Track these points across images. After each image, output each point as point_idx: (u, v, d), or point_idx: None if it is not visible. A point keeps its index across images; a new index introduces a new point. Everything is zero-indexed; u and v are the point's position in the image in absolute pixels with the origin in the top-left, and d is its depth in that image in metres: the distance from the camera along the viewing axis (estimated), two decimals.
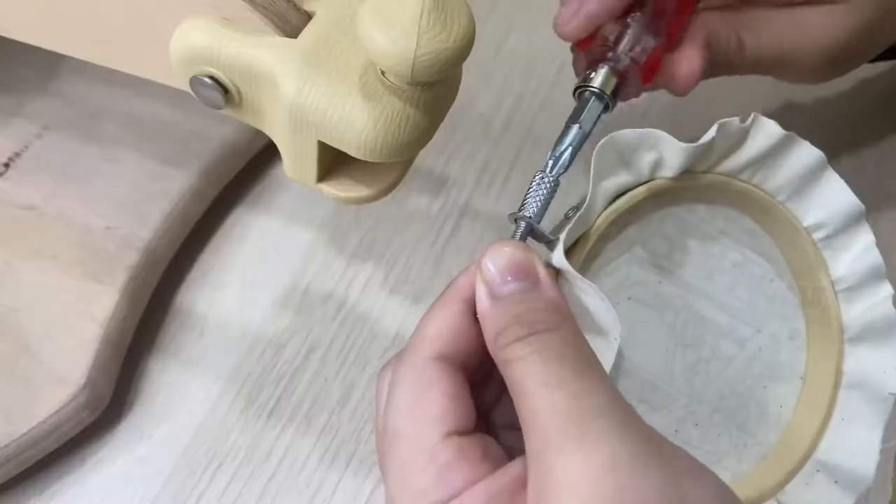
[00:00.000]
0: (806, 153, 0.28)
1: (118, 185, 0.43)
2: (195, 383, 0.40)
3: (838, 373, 0.30)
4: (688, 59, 0.33)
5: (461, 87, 0.29)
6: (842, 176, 0.29)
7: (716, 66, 0.34)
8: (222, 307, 0.43)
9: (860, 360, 0.30)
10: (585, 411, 0.21)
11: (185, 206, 0.42)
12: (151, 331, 0.42)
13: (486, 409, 0.27)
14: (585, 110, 0.29)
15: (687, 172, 0.28)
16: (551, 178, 0.27)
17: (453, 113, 0.29)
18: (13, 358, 0.37)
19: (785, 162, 0.29)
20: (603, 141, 0.26)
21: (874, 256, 0.29)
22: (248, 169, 0.46)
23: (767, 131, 0.28)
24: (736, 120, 0.27)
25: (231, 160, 0.45)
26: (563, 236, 0.25)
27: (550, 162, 0.28)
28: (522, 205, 0.27)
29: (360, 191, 0.30)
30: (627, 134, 0.26)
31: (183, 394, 0.40)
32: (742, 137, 0.28)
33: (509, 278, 0.24)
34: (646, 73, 0.31)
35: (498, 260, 0.24)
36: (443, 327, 0.25)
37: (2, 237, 0.41)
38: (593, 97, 0.30)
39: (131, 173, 0.43)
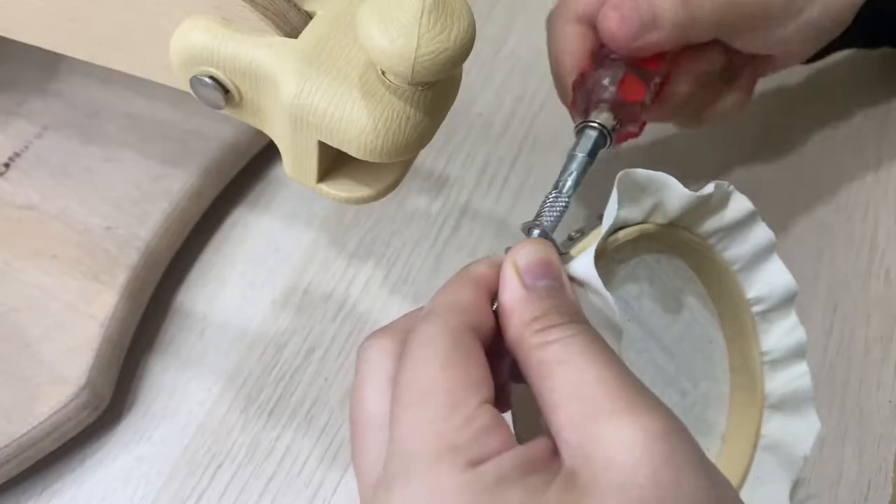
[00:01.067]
0: (763, 233, 0.31)
1: (118, 185, 0.43)
2: (195, 383, 0.40)
3: (757, 435, 0.33)
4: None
5: (461, 87, 0.29)
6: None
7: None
8: (222, 307, 0.43)
9: (776, 426, 0.33)
10: (634, 386, 0.22)
11: (185, 206, 0.42)
12: (151, 331, 0.42)
13: None
14: (588, 142, 0.32)
15: (671, 224, 0.29)
16: (565, 198, 0.30)
17: (453, 113, 0.29)
18: (13, 358, 0.37)
19: (745, 236, 0.31)
20: (621, 174, 0.27)
21: (800, 335, 0.32)
22: (248, 169, 0.46)
23: (741, 204, 0.30)
24: (725, 183, 0.29)
25: (231, 160, 0.45)
26: (592, 248, 0.26)
27: (569, 181, 0.30)
28: (537, 216, 0.29)
29: (361, 191, 0.30)
30: (639, 173, 0.27)
31: (183, 394, 0.40)
32: (723, 203, 0.30)
33: (541, 274, 0.25)
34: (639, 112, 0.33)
35: (532, 256, 0.25)
36: (470, 303, 0.25)
37: (2, 237, 0.41)
38: (593, 131, 0.32)
39: (131, 173, 0.43)
